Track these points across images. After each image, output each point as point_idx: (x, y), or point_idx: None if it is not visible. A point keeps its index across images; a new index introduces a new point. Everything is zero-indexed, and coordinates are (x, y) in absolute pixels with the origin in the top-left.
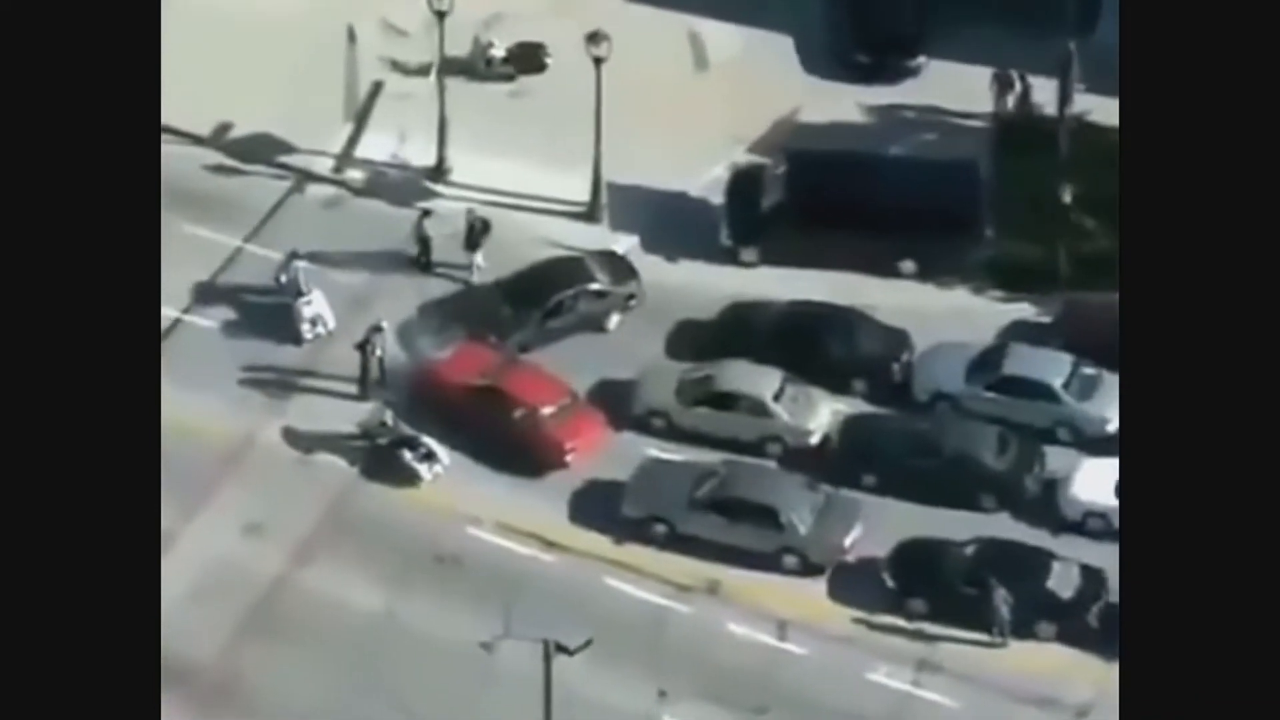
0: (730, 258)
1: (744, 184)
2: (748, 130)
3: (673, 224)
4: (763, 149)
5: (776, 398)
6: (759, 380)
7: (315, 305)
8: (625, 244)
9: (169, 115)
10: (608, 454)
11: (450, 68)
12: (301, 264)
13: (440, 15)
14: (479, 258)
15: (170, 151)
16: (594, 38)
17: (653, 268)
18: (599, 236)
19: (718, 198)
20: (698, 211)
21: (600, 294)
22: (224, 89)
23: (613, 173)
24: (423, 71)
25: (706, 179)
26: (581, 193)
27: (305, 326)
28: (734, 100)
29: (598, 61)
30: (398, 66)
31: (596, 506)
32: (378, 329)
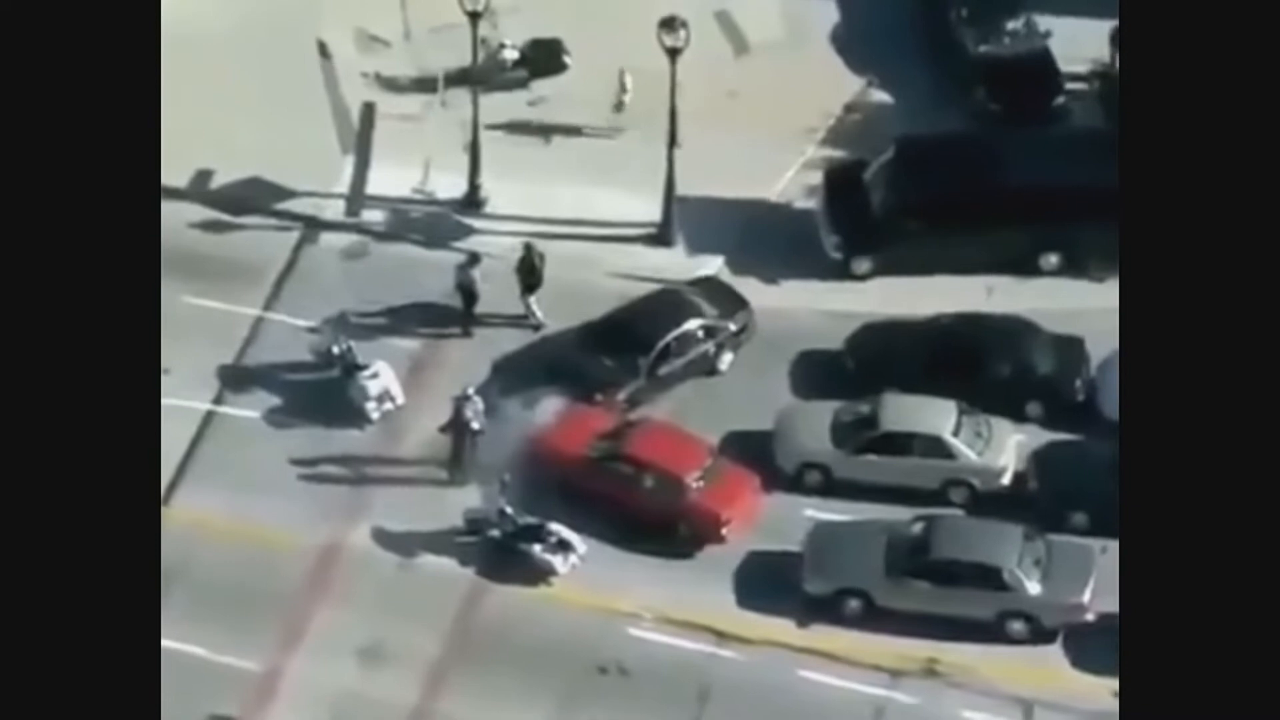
0: (839, 271)
1: (844, 183)
2: (814, 119)
3: (759, 238)
4: (842, 139)
5: (955, 433)
6: (932, 414)
7: (382, 379)
8: (710, 267)
9: None
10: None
11: (455, 78)
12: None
13: (474, 16)
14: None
15: None
16: (669, 24)
17: (750, 293)
18: (678, 262)
19: (804, 201)
20: (785, 220)
21: (709, 330)
22: (188, 129)
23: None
24: (424, 86)
25: (785, 181)
26: (644, 212)
27: (371, 405)
28: (787, 86)
29: (672, 54)
30: (389, 83)
31: (767, 585)
32: (466, 398)
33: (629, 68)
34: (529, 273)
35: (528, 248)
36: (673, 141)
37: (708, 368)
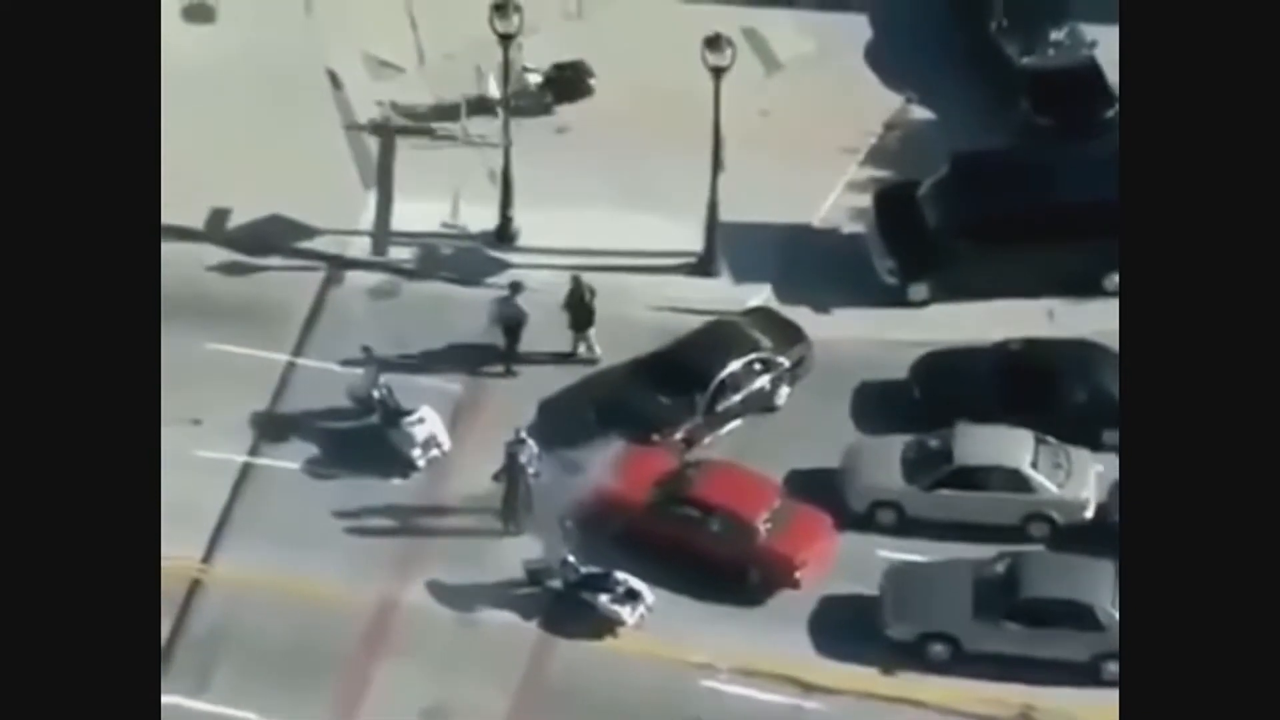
0: (894, 297)
1: (895, 205)
2: (853, 138)
3: (805, 265)
4: (884, 159)
5: (1034, 464)
6: (1008, 446)
7: (428, 424)
8: (757, 297)
9: None
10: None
11: (477, 106)
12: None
13: (506, 38)
14: (593, 336)
15: (168, 253)
16: (713, 43)
17: (801, 323)
18: (723, 292)
19: (851, 225)
20: (832, 246)
21: (766, 364)
22: (200, 167)
23: (703, 211)
24: (444, 115)
25: (828, 204)
26: (683, 240)
27: (417, 451)
28: (822, 104)
29: (717, 72)
30: (405, 112)
31: (846, 631)
32: (520, 442)
33: (657, 87)
34: (579, 308)
35: (576, 281)
36: (717, 165)
37: (765, 403)
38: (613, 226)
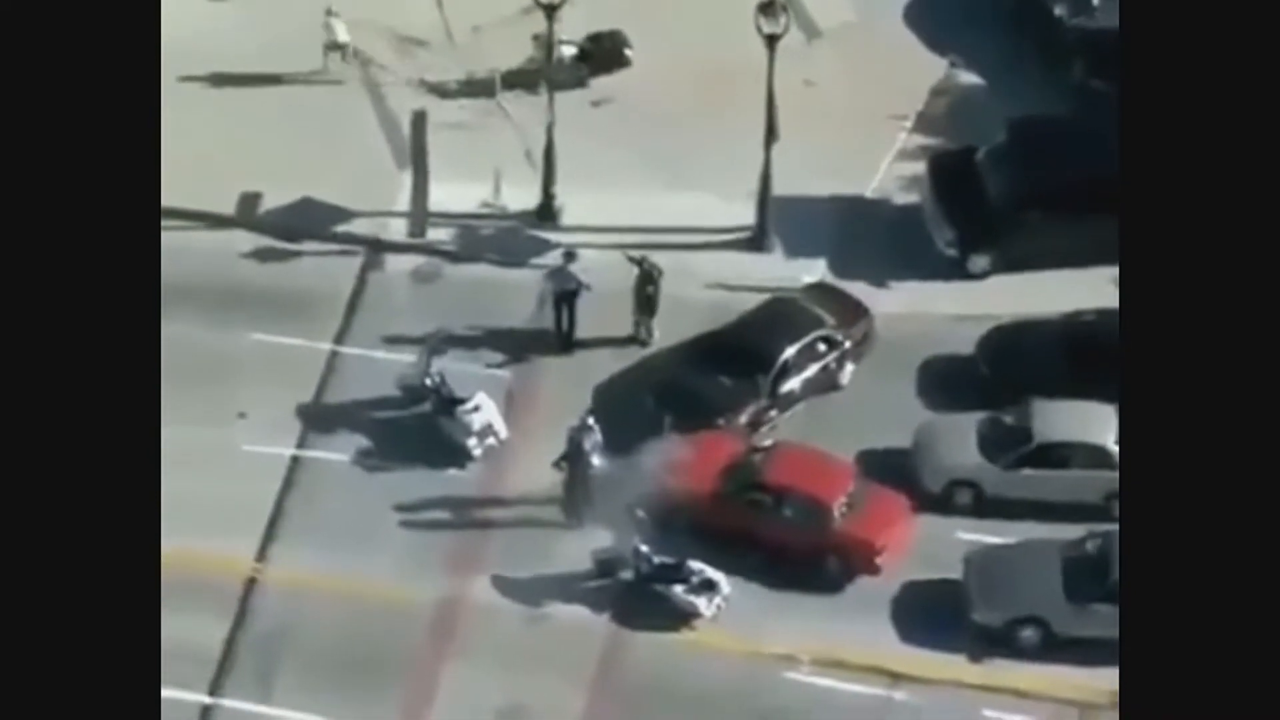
0: (954, 269)
1: (952, 174)
2: (900, 105)
3: (859, 238)
4: (934, 126)
5: (1118, 441)
6: (1090, 421)
7: (484, 412)
8: (812, 273)
9: (172, 195)
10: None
11: (511, 80)
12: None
13: (550, 9)
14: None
15: (193, 241)
16: (768, 8)
17: (860, 298)
18: (777, 268)
19: (904, 196)
20: (886, 217)
21: (829, 342)
22: (227, 151)
23: (750, 185)
24: (479, 90)
25: (880, 174)
26: (731, 215)
27: (473, 441)
28: (866, 71)
29: (771, 40)
30: (435, 89)
31: (930, 617)
32: (585, 428)
33: (695, 57)
34: (646, 291)
35: (644, 263)
36: (771, 134)
37: (829, 383)
38: (656, 202)
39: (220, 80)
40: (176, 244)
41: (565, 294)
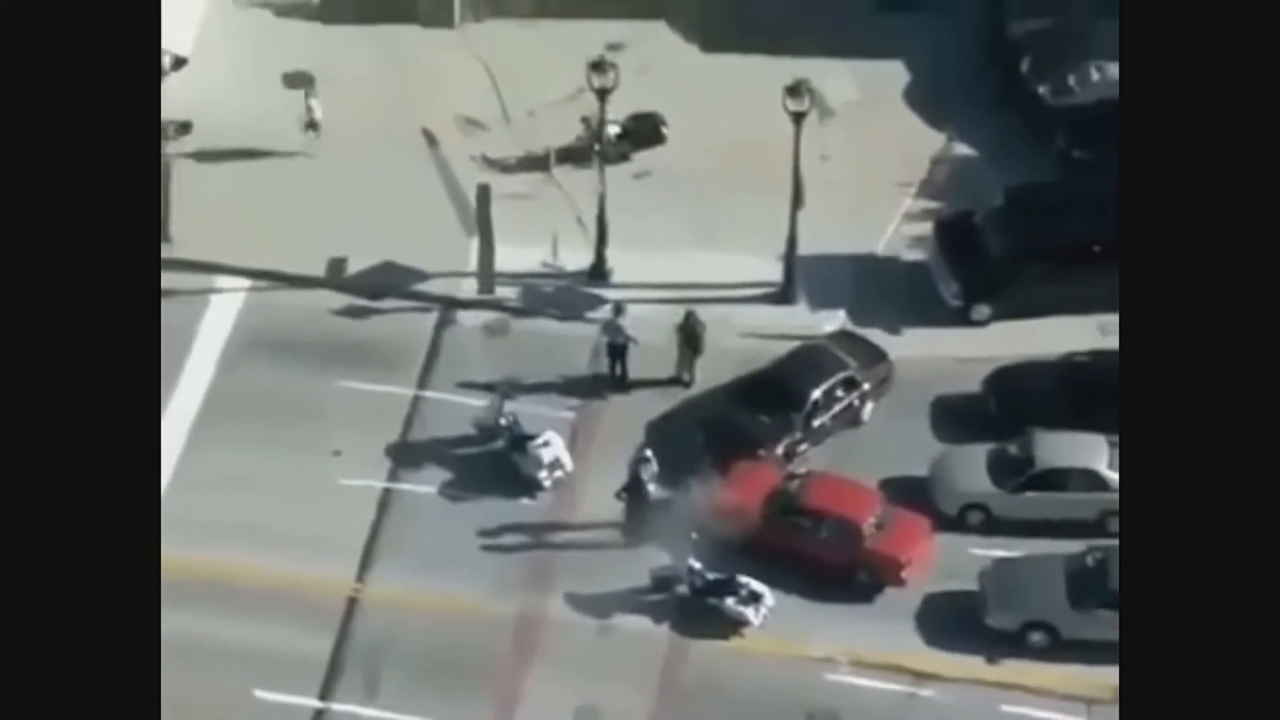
0: (957, 317)
1: (955, 233)
2: (904, 174)
3: (873, 290)
4: (934, 192)
5: (1110, 466)
6: (1084, 449)
7: (553, 447)
8: (833, 322)
9: (267, 259)
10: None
11: (563, 156)
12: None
13: (602, 93)
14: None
15: (288, 299)
16: (794, 90)
17: (878, 344)
18: (802, 318)
19: (910, 253)
20: (895, 272)
21: (852, 382)
22: (318, 221)
23: (775, 246)
24: (535, 165)
25: (888, 234)
26: (760, 272)
27: (544, 473)
28: (873, 145)
29: (797, 117)
30: (496, 164)
31: (950, 623)
32: (644, 460)
33: (722, 134)
34: (690, 340)
35: (689, 314)
36: (797, 201)
37: (852, 419)
38: (694, 262)
39: (304, 159)
40: (274, 302)
41: (616, 344)
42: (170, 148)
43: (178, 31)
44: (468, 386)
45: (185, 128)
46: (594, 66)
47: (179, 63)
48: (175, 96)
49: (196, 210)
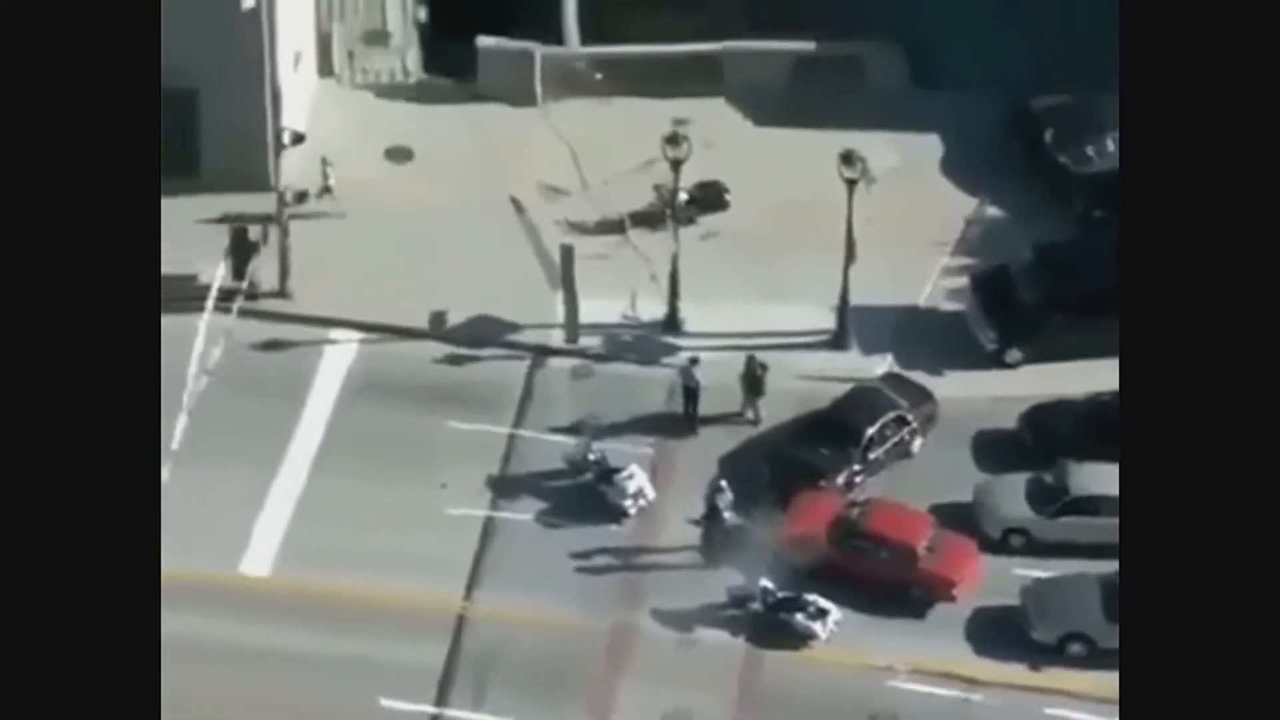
0: (993, 361)
1: (990, 285)
2: (941, 234)
3: (916, 337)
4: (969, 249)
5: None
6: (1114, 479)
7: (636, 479)
8: (884, 365)
9: (378, 313)
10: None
11: (636, 220)
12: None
13: (676, 164)
14: (759, 404)
15: (395, 349)
16: (847, 159)
17: (924, 385)
18: (854, 362)
19: (950, 304)
20: (936, 321)
21: (902, 420)
22: (423, 279)
23: (828, 298)
24: (611, 228)
25: (929, 288)
26: (813, 321)
27: (629, 502)
28: (913, 208)
29: (851, 183)
30: (576, 227)
31: (996, 636)
32: (719, 490)
33: (780, 200)
34: (753, 380)
35: (750, 360)
36: (849, 257)
37: (903, 452)
38: (757, 313)
39: (408, 225)
40: (383, 351)
41: (690, 387)
42: (288, 212)
43: (296, 111)
44: (557, 426)
45: (302, 196)
46: (669, 140)
47: (298, 139)
48: (292, 167)
49: (311, 269)
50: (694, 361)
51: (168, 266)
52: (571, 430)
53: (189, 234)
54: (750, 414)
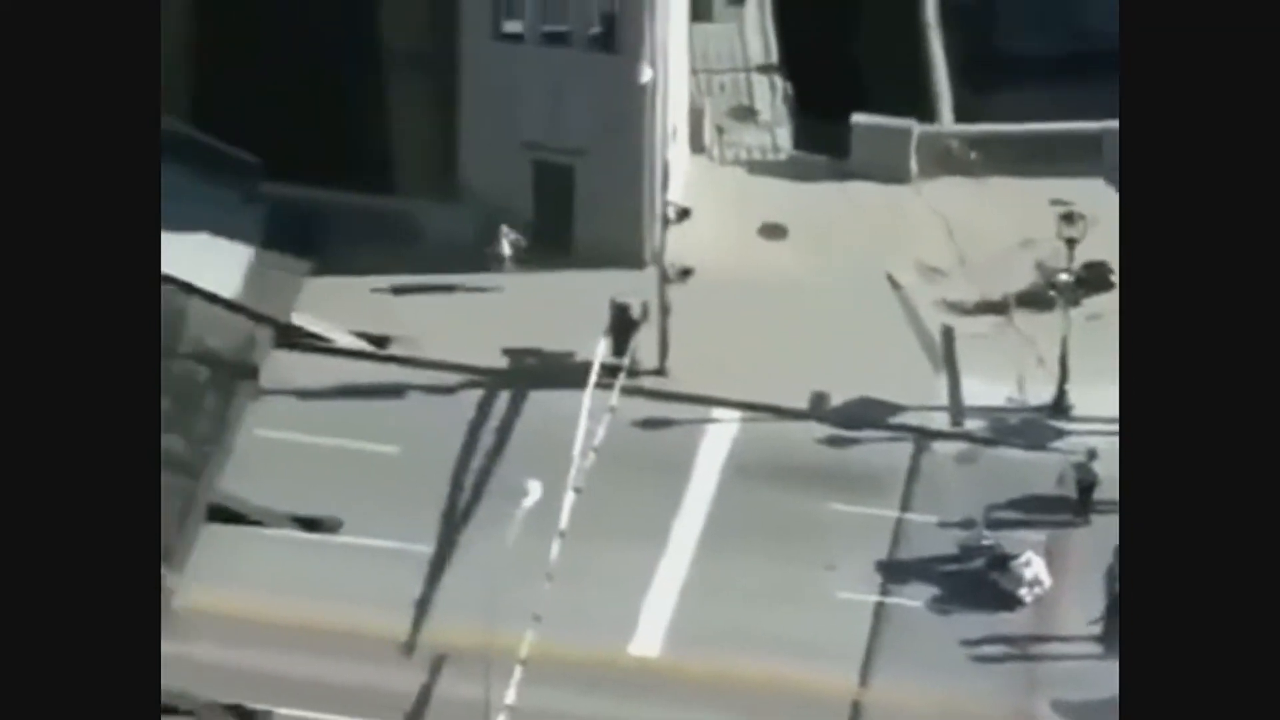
0: None
1: None
2: None
3: None
4: None
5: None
6: None
7: (1034, 566)
8: None
9: (757, 394)
10: None
11: (1018, 301)
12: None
13: (1071, 243)
14: None
15: (779, 430)
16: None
17: None
18: None
19: None
20: None
21: None
22: (793, 354)
23: None
24: (992, 308)
25: None
26: None
27: (1025, 590)
28: None
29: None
30: (955, 307)
31: None
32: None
33: None
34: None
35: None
36: None
37: None
38: None
39: (784, 301)
40: (764, 431)
41: (1086, 482)
42: (672, 290)
43: (671, 187)
44: (948, 525)
45: (687, 273)
46: (1064, 218)
47: (683, 214)
48: (676, 243)
49: (687, 346)
50: (1092, 455)
51: (547, 343)
52: (961, 517)
53: (565, 308)
54: None
